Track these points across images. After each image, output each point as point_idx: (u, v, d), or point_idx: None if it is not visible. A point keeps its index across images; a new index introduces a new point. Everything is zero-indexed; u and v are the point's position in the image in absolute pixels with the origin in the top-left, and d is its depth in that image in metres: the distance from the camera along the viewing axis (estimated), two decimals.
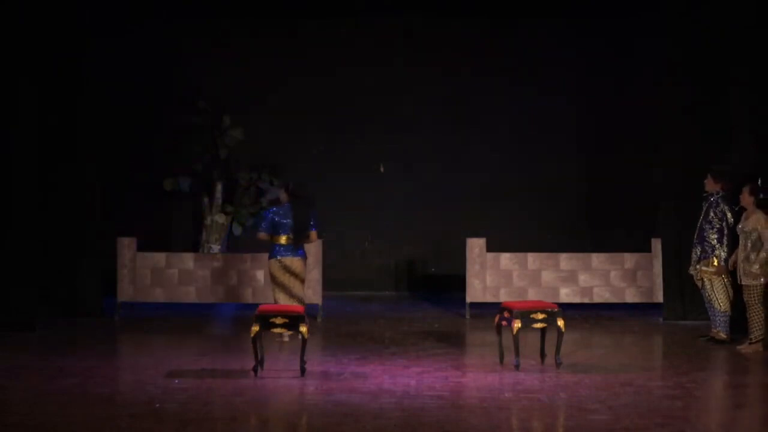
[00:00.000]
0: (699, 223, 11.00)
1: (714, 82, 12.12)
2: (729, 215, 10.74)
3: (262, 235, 11.30)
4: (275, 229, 11.20)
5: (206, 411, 7.87)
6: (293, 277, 11.21)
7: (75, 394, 8.44)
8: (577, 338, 11.21)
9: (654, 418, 7.58)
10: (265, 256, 13.01)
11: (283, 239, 11.20)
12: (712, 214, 10.84)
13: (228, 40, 15.38)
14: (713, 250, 10.81)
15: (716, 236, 10.80)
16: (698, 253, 10.96)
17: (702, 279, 10.98)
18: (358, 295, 12.69)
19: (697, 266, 10.99)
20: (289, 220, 11.20)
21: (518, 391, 8.52)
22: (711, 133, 12.10)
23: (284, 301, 11.09)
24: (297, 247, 11.23)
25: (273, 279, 11.26)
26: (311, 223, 11.25)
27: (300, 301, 11.13)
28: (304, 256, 11.32)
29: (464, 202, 15.41)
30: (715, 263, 10.82)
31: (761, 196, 10.42)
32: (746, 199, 10.47)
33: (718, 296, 10.84)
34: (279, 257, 11.19)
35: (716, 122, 12.05)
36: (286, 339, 10.89)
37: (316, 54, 15.39)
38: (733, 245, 10.67)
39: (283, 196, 11.39)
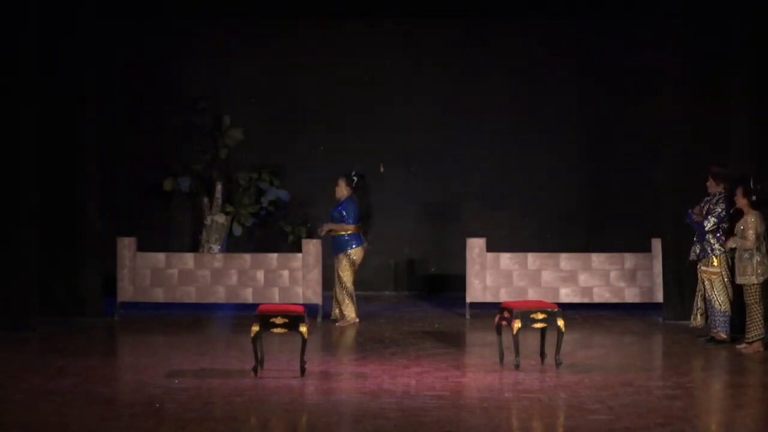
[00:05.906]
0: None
1: (714, 83, 12.11)
2: (726, 214, 10.74)
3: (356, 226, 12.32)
4: (359, 219, 12.37)
5: (206, 411, 7.88)
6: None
7: (75, 394, 8.45)
8: (577, 338, 11.21)
9: (654, 418, 7.59)
10: (265, 255, 13.10)
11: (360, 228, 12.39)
12: (711, 213, 10.84)
13: (228, 40, 15.35)
14: (713, 250, 10.82)
15: (715, 236, 10.80)
16: (697, 252, 10.97)
17: (702, 278, 10.99)
18: (358, 295, 12.66)
19: (698, 266, 11.01)
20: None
21: (518, 391, 8.53)
22: (710, 134, 12.09)
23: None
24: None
25: (354, 266, 12.30)
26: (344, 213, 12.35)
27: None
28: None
29: (464, 202, 15.39)
30: (715, 263, 10.82)
31: (755, 196, 10.42)
32: (741, 200, 10.48)
33: (718, 296, 10.84)
34: (365, 244, 12.40)
35: (715, 122, 12.04)
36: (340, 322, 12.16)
37: (316, 54, 15.38)
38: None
39: (347, 188, 12.38)
